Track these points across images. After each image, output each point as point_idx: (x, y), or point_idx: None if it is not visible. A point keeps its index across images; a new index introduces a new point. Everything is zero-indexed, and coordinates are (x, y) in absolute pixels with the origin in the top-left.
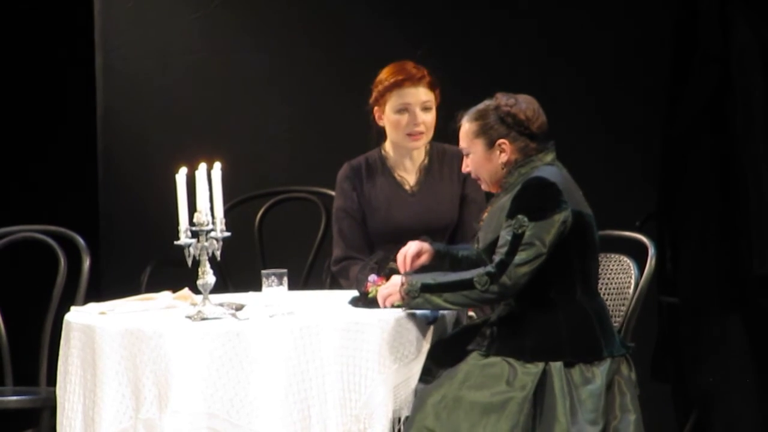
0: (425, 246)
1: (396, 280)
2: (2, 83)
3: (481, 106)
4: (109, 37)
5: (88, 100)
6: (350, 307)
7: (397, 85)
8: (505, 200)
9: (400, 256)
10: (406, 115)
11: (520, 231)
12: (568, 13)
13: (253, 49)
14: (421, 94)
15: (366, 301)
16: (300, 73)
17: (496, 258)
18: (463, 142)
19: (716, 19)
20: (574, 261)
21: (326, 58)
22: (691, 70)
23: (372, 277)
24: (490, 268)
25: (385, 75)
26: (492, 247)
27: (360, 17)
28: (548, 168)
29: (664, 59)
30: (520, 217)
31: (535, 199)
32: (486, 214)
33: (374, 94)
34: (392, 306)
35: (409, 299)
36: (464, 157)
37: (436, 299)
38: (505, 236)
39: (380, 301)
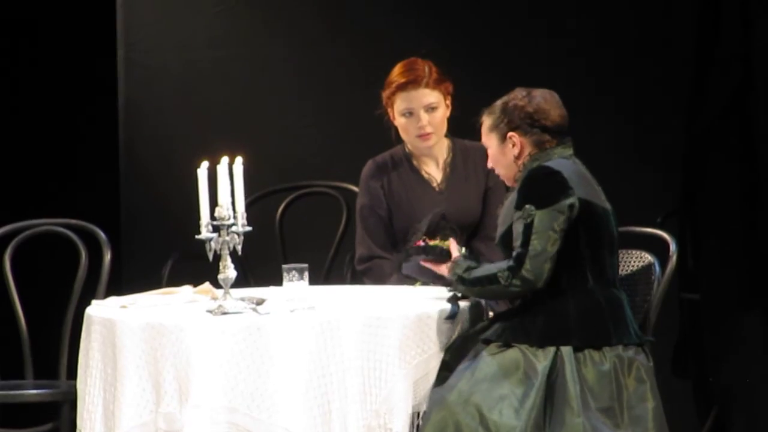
0: None
1: (451, 260)
2: (24, 78)
3: (497, 101)
4: (131, 30)
5: (110, 94)
6: (402, 271)
7: (400, 89)
8: (515, 193)
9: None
10: (411, 118)
11: (529, 220)
12: (590, 9)
13: (274, 43)
14: (424, 96)
15: (428, 249)
16: (321, 68)
17: (514, 252)
18: (483, 138)
19: (738, 16)
20: (584, 250)
21: (347, 52)
22: (713, 68)
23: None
24: (510, 262)
25: (391, 77)
26: (505, 239)
27: (381, 11)
28: (559, 160)
29: (685, 56)
30: (527, 207)
31: (539, 188)
32: (501, 209)
33: (383, 97)
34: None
35: (454, 285)
36: (488, 153)
37: (470, 291)
38: (518, 228)
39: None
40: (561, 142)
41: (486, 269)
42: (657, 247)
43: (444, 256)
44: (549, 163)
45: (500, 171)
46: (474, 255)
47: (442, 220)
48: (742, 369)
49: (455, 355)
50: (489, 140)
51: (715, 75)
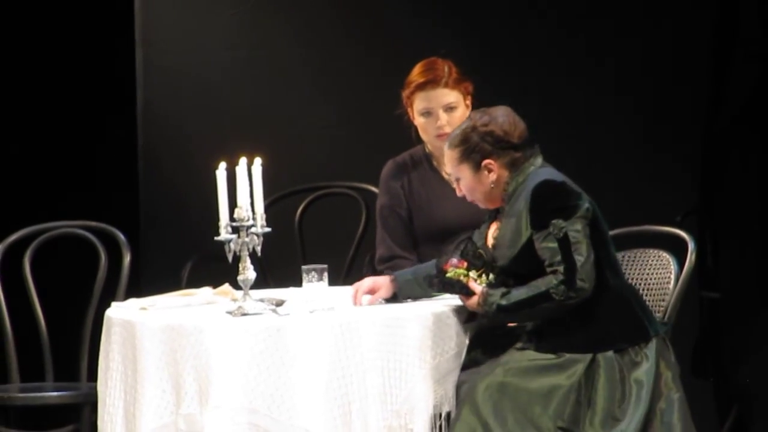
0: (380, 281)
1: (476, 294)
2: (43, 80)
3: (457, 130)
4: (149, 32)
5: (129, 96)
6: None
7: (419, 88)
8: (514, 212)
9: (352, 290)
10: (430, 118)
11: (561, 234)
12: (608, 9)
13: (292, 44)
14: (443, 96)
15: (442, 279)
16: (340, 68)
17: (559, 268)
18: (449, 169)
19: (757, 15)
20: (600, 250)
21: (366, 52)
22: (731, 67)
23: (454, 260)
24: (560, 277)
25: (410, 77)
26: (519, 261)
27: (399, 12)
28: (543, 170)
29: (704, 56)
30: (554, 222)
31: (556, 201)
32: (493, 231)
33: (403, 97)
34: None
35: (492, 315)
36: (456, 183)
37: (515, 316)
38: (549, 246)
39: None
40: (530, 153)
41: (530, 290)
42: (676, 245)
43: (463, 291)
44: (546, 176)
45: (478, 197)
46: (497, 283)
47: (471, 244)
48: (763, 367)
49: (484, 350)
50: (460, 171)
51: (733, 74)
